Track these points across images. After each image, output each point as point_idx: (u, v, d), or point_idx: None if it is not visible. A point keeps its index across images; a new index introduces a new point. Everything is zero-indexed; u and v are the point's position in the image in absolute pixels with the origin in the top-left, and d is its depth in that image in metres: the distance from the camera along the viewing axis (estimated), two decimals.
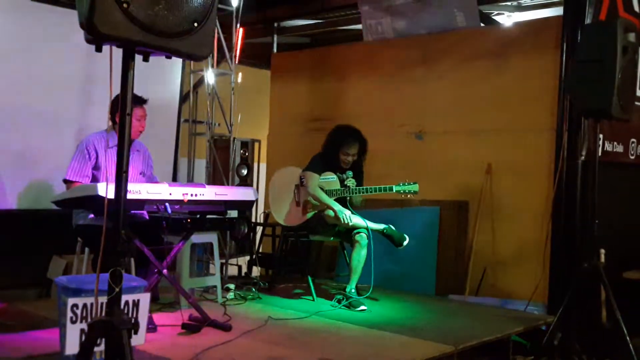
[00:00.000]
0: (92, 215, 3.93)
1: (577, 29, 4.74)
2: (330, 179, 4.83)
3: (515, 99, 5.30)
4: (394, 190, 4.65)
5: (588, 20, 4.77)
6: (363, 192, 4.74)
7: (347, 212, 4.62)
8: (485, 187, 5.37)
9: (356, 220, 4.67)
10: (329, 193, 4.78)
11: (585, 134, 4.79)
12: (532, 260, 4.99)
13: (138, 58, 2.08)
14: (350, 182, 4.76)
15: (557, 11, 5.47)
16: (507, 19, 6.33)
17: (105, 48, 2.04)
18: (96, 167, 4.11)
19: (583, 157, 4.81)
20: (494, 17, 6.33)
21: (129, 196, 3.40)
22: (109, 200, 2.19)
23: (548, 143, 5.03)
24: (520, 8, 6.19)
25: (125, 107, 2.05)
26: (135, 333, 2.08)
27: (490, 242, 5.35)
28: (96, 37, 1.90)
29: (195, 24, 2.04)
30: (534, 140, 5.17)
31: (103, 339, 2.11)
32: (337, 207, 4.66)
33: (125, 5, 1.87)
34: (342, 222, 4.60)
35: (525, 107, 5.24)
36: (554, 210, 4.87)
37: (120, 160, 2.07)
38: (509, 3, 6.12)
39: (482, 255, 5.34)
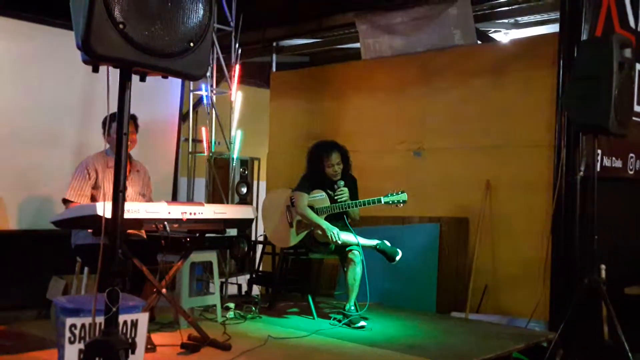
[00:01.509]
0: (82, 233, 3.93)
1: (574, 46, 4.77)
2: (319, 197, 4.84)
3: (513, 115, 5.32)
4: (383, 202, 4.65)
5: (584, 37, 4.80)
6: (353, 206, 4.74)
7: (336, 230, 4.62)
8: (485, 204, 5.37)
9: (347, 237, 4.66)
10: (319, 211, 4.78)
11: (584, 149, 4.81)
12: (533, 276, 4.97)
13: (135, 78, 2.10)
14: (344, 193, 4.76)
15: (554, 28, 5.51)
16: (504, 37, 6.37)
17: (103, 68, 2.07)
18: (96, 187, 4.12)
19: (582, 173, 4.81)
20: (491, 35, 6.37)
21: (128, 215, 3.41)
22: (107, 219, 2.20)
23: (547, 159, 5.04)
24: (518, 25, 6.23)
25: (122, 126, 2.06)
26: (133, 353, 2.07)
27: (491, 259, 5.34)
28: (93, 58, 1.92)
29: (192, 44, 2.06)
30: (532, 156, 5.18)
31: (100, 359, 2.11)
32: (325, 225, 4.66)
33: (121, 26, 1.89)
34: (331, 240, 4.59)
35: (523, 124, 5.26)
36: (554, 226, 4.86)
37: (117, 179, 2.07)
38: (506, 21, 6.16)
39: (482, 272, 5.32)
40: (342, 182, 4.80)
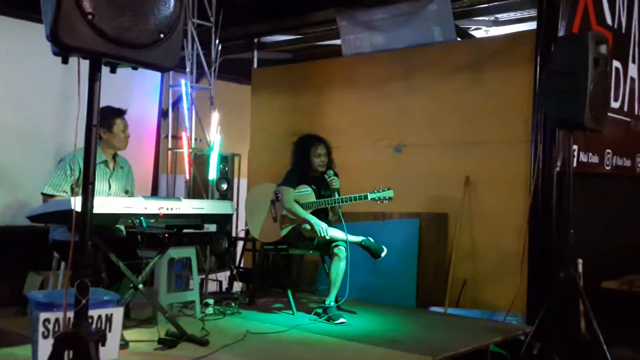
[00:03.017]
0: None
1: (551, 42, 4.81)
2: (305, 192, 4.85)
3: (491, 111, 5.35)
4: (369, 198, 4.67)
5: (561, 34, 4.84)
6: (339, 202, 4.76)
7: (324, 225, 4.63)
8: (464, 199, 5.40)
9: (334, 232, 4.68)
10: (304, 206, 4.79)
11: (560, 145, 4.85)
12: (511, 270, 5.00)
13: (105, 70, 2.09)
14: (336, 180, 4.78)
15: (532, 25, 5.54)
16: (484, 34, 6.41)
17: (74, 60, 2.06)
18: (78, 184, 4.09)
19: (558, 168, 4.86)
20: (471, 32, 6.41)
21: (104, 210, 3.40)
22: (77, 212, 2.19)
23: (524, 154, 5.08)
24: (497, 23, 6.27)
25: (91, 119, 2.06)
26: (103, 345, 2.06)
27: (470, 254, 5.37)
28: (62, 49, 1.91)
29: (162, 35, 2.05)
30: (510, 152, 5.22)
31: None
32: (314, 220, 4.66)
33: (90, 16, 1.88)
34: (319, 235, 4.60)
35: (501, 119, 5.30)
36: (531, 221, 4.90)
37: (87, 173, 2.07)
38: (485, 18, 6.20)
39: (461, 266, 5.36)
40: (331, 172, 4.82)
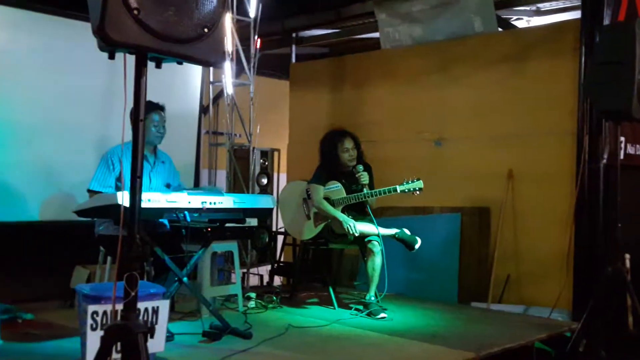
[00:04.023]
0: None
1: (596, 31, 4.70)
2: (335, 188, 4.82)
3: (535, 103, 5.26)
4: (399, 190, 4.61)
5: (606, 22, 4.72)
6: (369, 196, 4.72)
7: (352, 223, 4.59)
8: (507, 193, 5.32)
9: (366, 227, 4.64)
10: (335, 202, 4.77)
11: (607, 136, 4.74)
12: (556, 266, 4.92)
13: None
14: (364, 175, 4.73)
15: (576, 15, 5.44)
16: (526, 24, 6.30)
17: (120, 57, 2.08)
18: (120, 178, 4.16)
19: (605, 161, 4.75)
20: (513, 23, 6.30)
21: (149, 205, 3.45)
22: (125, 207, 2.22)
23: (569, 147, 4.98)
24: (539, 12, 6.15)
25: (138, 113, 2.08)
26: (152, 337, 2.09)
27: (513, 249, 5.30)
28: (108, 44, 1.93)
29: (206, 30, 2.06)
30: (554, 144, 5.12)
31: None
32: (342, 217, 4.64)
33: (135, 12, 1.90)
34: (348, 232, 4.57)
35: (545, 111, 5.20)
36: (577, 215, 4.81)
37: (134, 166, 2.09)
38: (527, 8, 6.08)
39: (504, 261, 5.28)
40: (360, 167, 4.78)
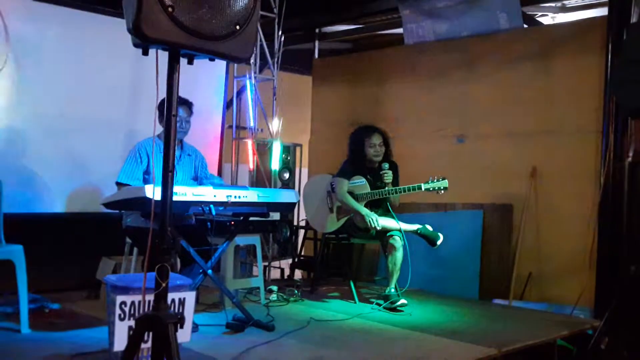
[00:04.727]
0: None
1: (623, 29, 4.66)
2: (359, 183, 4.84)
3: (560, 100, 5.23)
4: (423, 189, 4.62)
5: (634, 20, 4.68)
6: (393, 193, 4.73)
7: (374, 216, 4.61)
8: (530, 190, 5.31)
9: (388, 222, 4.66)
10: (359, 197, 4.79)
11: (632, 135, 4.70)
12: (579, 264, 4.91)
13: (182, 61, 2.15)
14: (388, 174, 4.73)
15: (602, 12, 5.40)
16: (551, 21, 6.25)
17: (151, 53, 2.13)
18: (147, 172, 4.22)
19: (630, 159, 4.71)
20: (537, 19, 6.26)
21: (175, 198, 3.49)
22: (156, 201, 2.27)
23: (594, 145, 4.96)
24: (565, 9, 6.11)
25: (170, 108, 2.12)
26: (182, 327, 2.13)
27: (535, 246, 5.28)
28: (143, 41, 1.97)
29: (238, 27, 2.10)
30: (579, 142, 5.10)
31: (150, 335, 2.18)
32: (365, 211, 4.66)
33: (170, 9, 1.94)
34: (370, 226, 4.60)
35: (569, 109, 5.18)
36: (600, 213, 4.79)
37: (167, 160, 2.13)
38: (553, 4, 6.04)
39: (526, 259, 5.28)
40: (386, 165, 4.78)
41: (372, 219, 4.59)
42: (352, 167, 4.89)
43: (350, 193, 4.81)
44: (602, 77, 4.91)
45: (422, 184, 4.63)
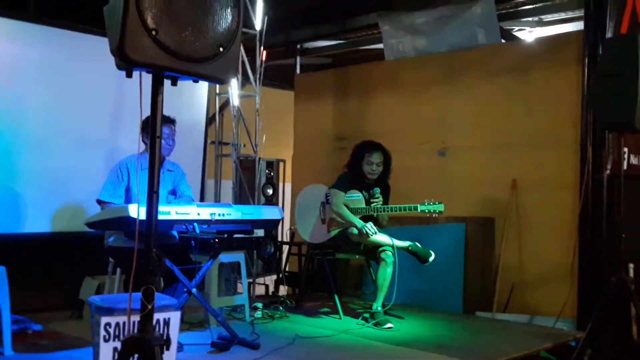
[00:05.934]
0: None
1: (599, 43, 4.75)
2: (356, 197, 4.87)
3: (539, 113, 5.30)
4: (419, 210, 4.67)
5: (609, 34, 4.77)
6: (388, 211, 4.77)
7: (370, 224, 4.65)
8: (511, 203, 5.36)
9: (381, 237, 4.69)
10: (354, 211, 4.81)
11: (610, 147, 4.78)
12: (561, 275, 4.95)
13: (166, 82, 2.16)
14: (379, 200, 4.78)
15: (579, 26, 5.49)
16: (529, 35, 6.35)
17: (135, 73, 2.13)
18: (128, 188, 4.21)
19: (608, 171, 4.79)
20: (515, 34, 6.36)
21: (159, 217, 3.48)
22: (140, 221, 2.27)
23: (573, 157, 5.02)
24: (542, 23, 6.20)
25: (155, 130, 2.13)
26: (167, 349, 2.13)
27: (518, 258, 5.33)
28: (127, 63, 1.98)
29: (221, 49, 2.12)
30: (558, 154, 5.16)
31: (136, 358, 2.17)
32: (360, 223, 4.68)
33: (154, 32, 1.96)
34: (366, 235, 4.62)
35: (548, 122, 5.25)
36: (581, 225, 4.84)
37: (151, 181, 2.14)
38: (530, 19, 6.14)
39: (509, 271, 5.32)
40: (377, 190, 4.82)
41: (368, 228, 4.61)
42: (349, 181, 4.91)
43: (345, 206, 4.82)
44: (580, 91, 4.99)
45: (419, 205, 4.67)
